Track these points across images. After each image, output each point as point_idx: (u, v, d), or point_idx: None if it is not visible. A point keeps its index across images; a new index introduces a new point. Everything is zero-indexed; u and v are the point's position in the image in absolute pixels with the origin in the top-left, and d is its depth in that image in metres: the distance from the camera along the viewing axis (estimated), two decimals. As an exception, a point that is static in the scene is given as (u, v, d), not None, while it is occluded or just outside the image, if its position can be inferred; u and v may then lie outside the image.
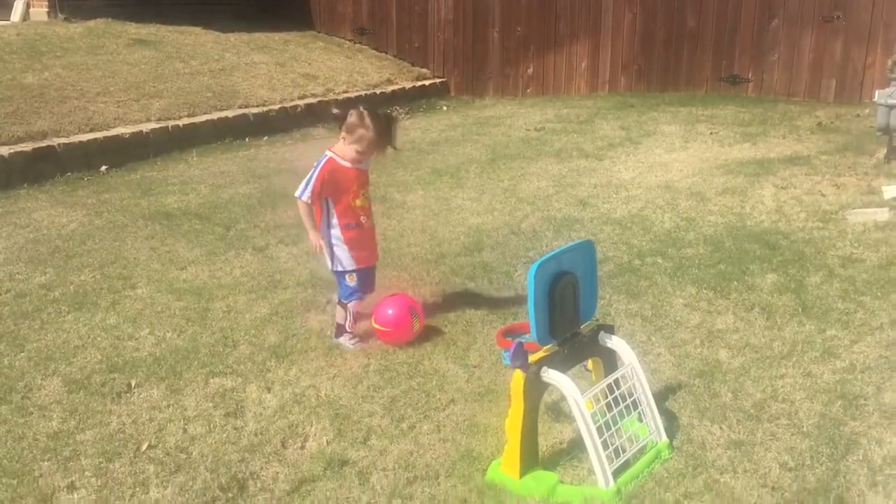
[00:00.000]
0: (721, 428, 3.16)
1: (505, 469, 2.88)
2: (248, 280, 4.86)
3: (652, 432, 3.04)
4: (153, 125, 8.57)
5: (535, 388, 2.86)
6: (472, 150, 8.28)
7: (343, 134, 3.83)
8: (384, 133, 3.82)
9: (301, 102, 10.34)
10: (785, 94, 10.37)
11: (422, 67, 12.54)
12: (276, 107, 10.02)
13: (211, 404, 3.47)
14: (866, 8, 9.76)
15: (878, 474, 2.87)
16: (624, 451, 2.91)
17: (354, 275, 3.96)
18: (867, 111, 9.40)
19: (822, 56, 10.11)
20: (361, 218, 3.95)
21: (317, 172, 3.80)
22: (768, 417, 3.24)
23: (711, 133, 8.48)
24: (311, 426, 3.27)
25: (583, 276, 3.03)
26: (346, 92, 11.14)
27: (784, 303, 4.27)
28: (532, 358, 2.88)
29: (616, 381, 3.01)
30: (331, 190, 3.84)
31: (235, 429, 3.29)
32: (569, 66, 11.59)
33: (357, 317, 4.03)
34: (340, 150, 3.87)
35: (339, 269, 3.95)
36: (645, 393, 3.04)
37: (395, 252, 5.25)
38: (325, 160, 3.85)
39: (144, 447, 3.17)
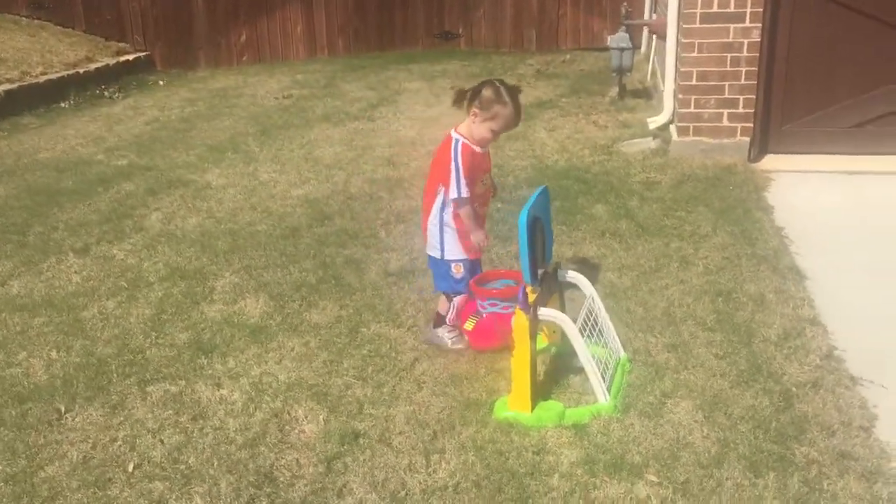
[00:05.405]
0: (654, 336, 3.64)
1: (514, 406, 3.11)
2: (99, 284, 4.44)
3: (615, 350, 3.43)
4: None
5: (534, 327, 3.11)
6: (234, 123, 8.04)
7: (475, 110, 3.42)
8: (520, 110, 3.46)
9: (-3, 90, 9.21)
10: (493, 47, 11.30)
11: (119, 41, 11.64)
12: (-31, 97, 8.84)
13: (170, 411, 3.24)
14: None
15: (781, 347, 3.54)
16: (605, 371, 3.27)
17: (461, 265, 3.59)
18: (568, 56, 10.61)
19: (522, 10, 11.15)
20: (475, 205, 3.55)
21: (461, 162, 3.41)
22: (679, 320, 3.79)
23: (452, 87, 9.00)
24: (297, 410, 3.20)
25: (545, 220, 3.32)
26: (44, 74, 10.08)
27: (625, 227, 4.88)
28: (523, 301, 3.12)
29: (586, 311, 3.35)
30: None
31: (216, 429, 3.12)
32: (284, 31, 11.52)
33: (461, 311, 3.66)
34: (469, 130, 3.47)
35: (448, 257, 3.59)
36: (604, 316, 3.42)
37: (242, 233, 5.07)
38: (460, 146, 3.44)
39: (131, 468, 2.91)
